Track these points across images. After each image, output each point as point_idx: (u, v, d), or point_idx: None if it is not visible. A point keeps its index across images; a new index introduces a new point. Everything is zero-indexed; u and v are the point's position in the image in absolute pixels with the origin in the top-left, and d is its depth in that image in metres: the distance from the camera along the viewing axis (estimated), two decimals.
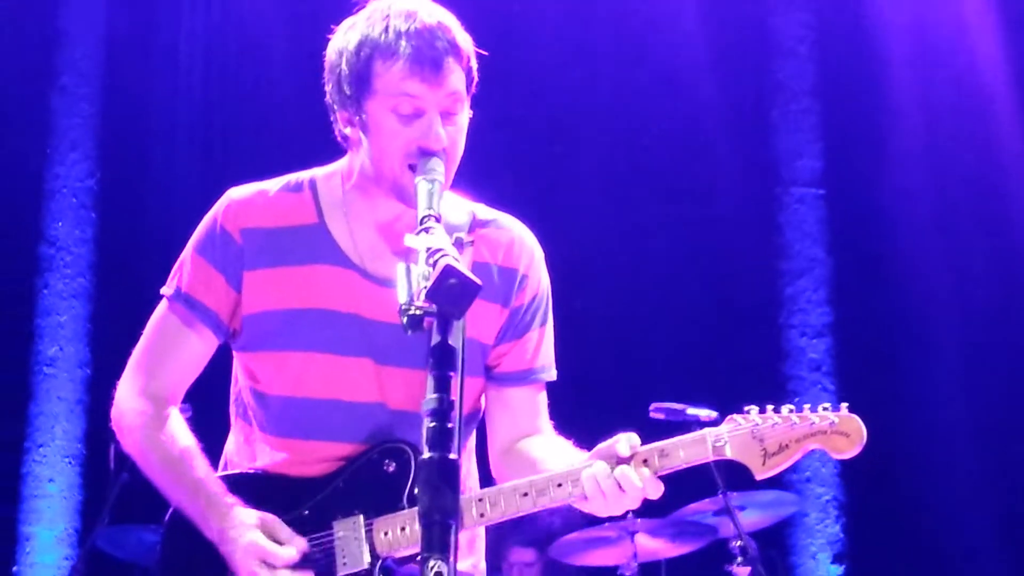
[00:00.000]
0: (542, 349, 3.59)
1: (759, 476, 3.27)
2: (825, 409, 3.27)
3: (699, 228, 8.58)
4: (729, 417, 3.31)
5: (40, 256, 8.27)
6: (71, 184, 8.34)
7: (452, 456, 2.63)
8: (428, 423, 2.64)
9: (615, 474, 3.22)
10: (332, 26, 3.44)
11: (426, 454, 2.63)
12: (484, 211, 3.57)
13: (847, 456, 3.28)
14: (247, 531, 3.28)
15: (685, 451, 3.26)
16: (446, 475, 2.62)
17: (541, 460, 3.43)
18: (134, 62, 8.50)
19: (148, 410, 3.47)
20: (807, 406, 3.28)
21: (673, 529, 6.64)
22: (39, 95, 8.38)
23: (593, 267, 8.16)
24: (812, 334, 8.43)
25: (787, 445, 3.26)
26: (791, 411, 3.28)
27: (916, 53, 8.55)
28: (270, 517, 3.31)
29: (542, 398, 3.63)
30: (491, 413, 3.60)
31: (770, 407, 3.29)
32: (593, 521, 6.71)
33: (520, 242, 3.56)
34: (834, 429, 3.26)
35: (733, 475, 6.20)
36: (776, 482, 7.93)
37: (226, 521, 3.31)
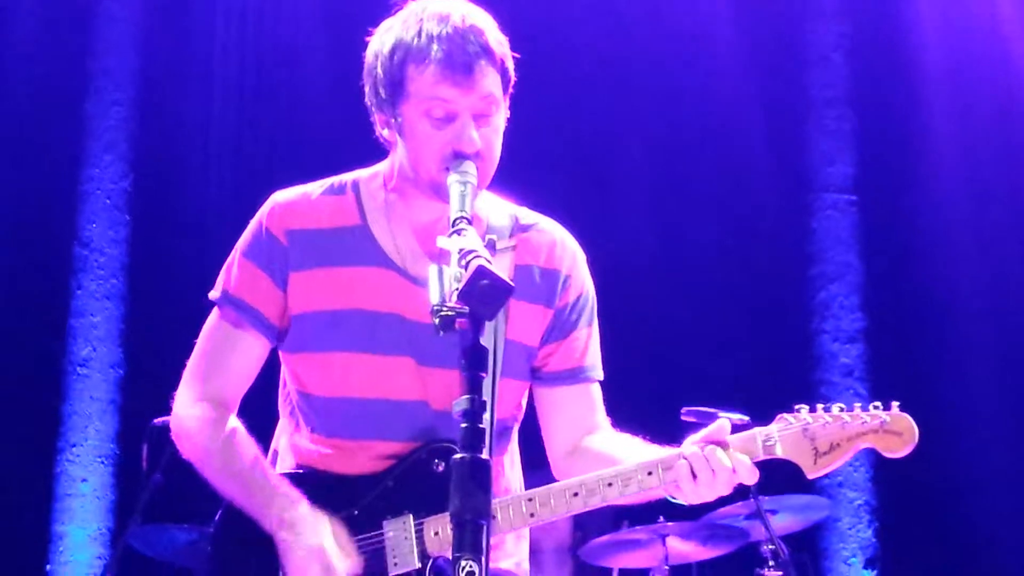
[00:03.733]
0: (590, 348, 3.62)
1: (811, 475, 3.31)
2: (876, 407, 3.27)
3: (732, 233, 8.57)
4: (779, 416, 3.33)
5: (74, 257, 8.29)
6: (105, 186, 8.37)
7: (484, 456, 2.64)
8: (460, 424, 2.65)
9: (706, 454, 3.26)
10: (368, 27, 3.45)
11: (458, 455, 2.64)
12: (526, 215, 3.60)
13: (899, 455, 3.30)
14: (320, 533, 3.30)
15: (735, 449, 3.29)
16: (478, 475, 2.62)
17: (622, 457, 3.43)
18: (168, 65, 8.53)
19: (209, 415, 3.49)
20: (857, 405, 3.29)
21: (704, 532, 6.63)
22: (74, 98, 8.41)
23: (625, 272, 8.14)
24: (844, 339, 8.41)
25: (839, 444, 3.29)
26: (841, 410, 3.28)
27: (951, 60, 8.53)
28: (340, 529, 3.33)
29: (596, 394, 3.66)
30: (546, 416, 3.63)
31: (820, 406, 3.30)
32: (620, 516, 6.74)
33: (562, 244, 3.59)
34: (886, 428, 3.27)
35: (765, 479, 6.18)
36: (808, 486, 7.94)
37: (293, 511, 3.32)
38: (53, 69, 8.42)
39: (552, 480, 3.48)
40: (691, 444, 3.31)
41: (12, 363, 8.02)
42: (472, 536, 2.61)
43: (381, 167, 3.55)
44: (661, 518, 6.49)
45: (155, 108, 8.48)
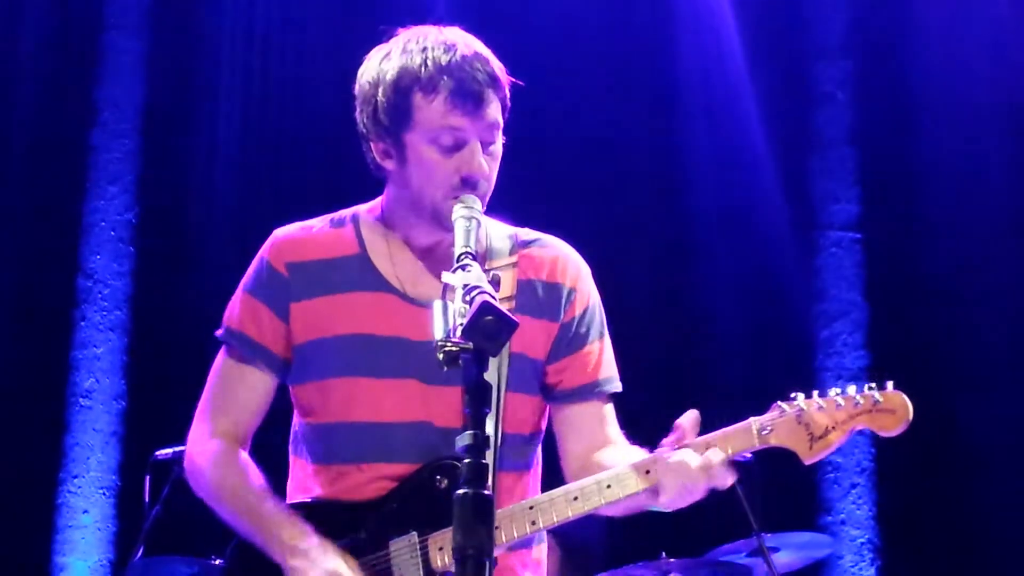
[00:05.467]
0: (604, 360, 3.62)
1: (807, 461, 3.29)
2: (871, 388, 3.27)
3: (735, 271, 8.57)
4: (775, 404, 3.32)
5: (78, 288, 8.30)
6: (110, 218, 8.38)
7: (487, 492, 2.64)
8: (464, 459, 2.65)
9: (678, 455, 3.24)
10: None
11: (460, 490, 2.63)
12: (526, 233, 3.62)
13: (893, 434, 3.28)
14: (330, 558, 3.29)
15: (731, 441, 3.28)
16: (480, 512, 2.62)
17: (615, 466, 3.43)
18: (174, 97, 8.56)
19: (219, 449, 3.50)
20: (852, 387, 3.28)
21: (706, 570, 6.61)
22: (79, 129, 8.43)
23: (627, 306, 8.14)
24: (848, 377, 8.39)
25: (833, 427, 3.27)
26: (837, 394, 3.28)
27: (956, 98, 8.54)
28: (348, 556, 3.33)
29: (609, 409, 3.65)
30: (561, 435, 3.62)
31: (815, 392, 3.30)
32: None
33: (565, 258, 3.60)
34: (879, 407, 3.27)
35: (768, 516, 6.18)
36: (810, 524, 7.95)
37: (302, 540, 3.32)
38: (59, 101, 8.44)
39: None
40: (665, 442, 3.32)
41: (15, 393, 8.03)
42: (474, 572, 2.60)
43: (379, 200, 3.58)
44: (663, 554, 6.48)
45: (161, 140, 8.50)
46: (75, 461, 8.11)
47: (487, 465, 2.64)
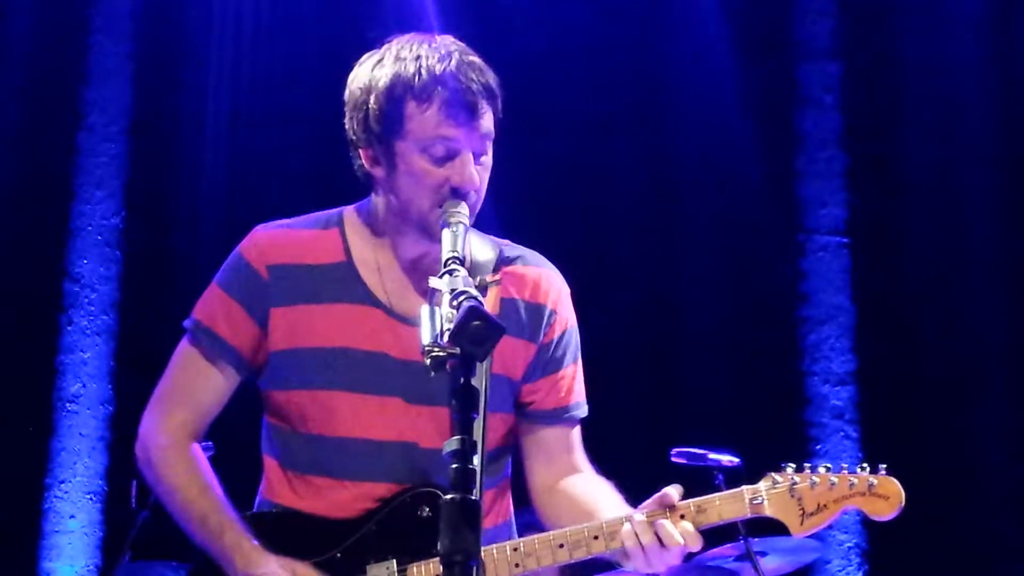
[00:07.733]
0: (576, 385, 3.61)
1: (797, 535, 3.32)
2: (863, 469, 3.29)
3: (722, 274, 8.57)
4: (767, 475, 3.33)
5: (64, 293, 8.29)
6: (96, 222, 8.37)
7: (474, 497, 2.62)
8: (451, 464, 2.64)
9: (655, 527, 3.22)
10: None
11: (448, 495, 2.61)
12: (510, 248, 3.59)
13: (886, 518, 3.31)
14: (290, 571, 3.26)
15: (723, 507, 3.29)
16: (468, 516, 2.59)
17: (593, 510, 3.43)
18: (161, 101, 8.54)
19: (171, 445, 3.48)
20: (844, 466, 3.30)
21: (693, 574, 6.61)
22: (66, 133, 8.42)
23: (615, 311, 8.14)
24: (835, 381, 8.40)
25: (825, 505, 3.30)
26: (827, 470, 3.29)
27: (943, 102, 8.54)
28: (300, 566, 3.31)
29: (576, 435, 3.64)
30: (528, 453, 3.62)
31: (807, 466, 3.31)
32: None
33: (547, 279, 3.58)
34: (873, 491, 3.28)
35: (754, 520, 6.15)
36: None
37: (253, 566, 3.30)
38: (45, 104, 8.43)
39: (536, 518, 3.51)
40: (634, 513, 3.31)
41: (1, 398, 8.01)
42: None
43: (366, 202, 3.54)
44: None
45: (147, 144, 8.49)
46: (62, 466, 8.10)
47: (474, 470, 2.62)
